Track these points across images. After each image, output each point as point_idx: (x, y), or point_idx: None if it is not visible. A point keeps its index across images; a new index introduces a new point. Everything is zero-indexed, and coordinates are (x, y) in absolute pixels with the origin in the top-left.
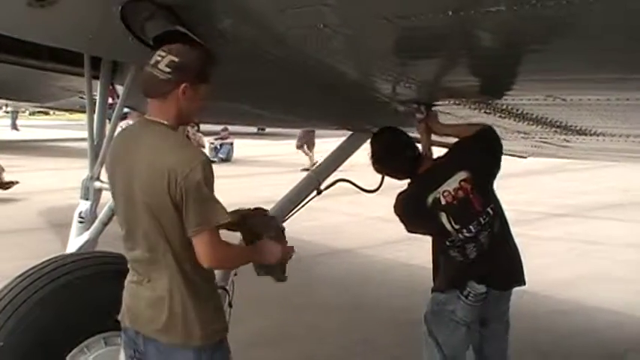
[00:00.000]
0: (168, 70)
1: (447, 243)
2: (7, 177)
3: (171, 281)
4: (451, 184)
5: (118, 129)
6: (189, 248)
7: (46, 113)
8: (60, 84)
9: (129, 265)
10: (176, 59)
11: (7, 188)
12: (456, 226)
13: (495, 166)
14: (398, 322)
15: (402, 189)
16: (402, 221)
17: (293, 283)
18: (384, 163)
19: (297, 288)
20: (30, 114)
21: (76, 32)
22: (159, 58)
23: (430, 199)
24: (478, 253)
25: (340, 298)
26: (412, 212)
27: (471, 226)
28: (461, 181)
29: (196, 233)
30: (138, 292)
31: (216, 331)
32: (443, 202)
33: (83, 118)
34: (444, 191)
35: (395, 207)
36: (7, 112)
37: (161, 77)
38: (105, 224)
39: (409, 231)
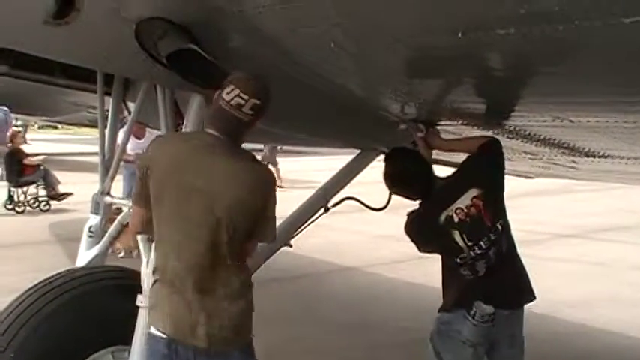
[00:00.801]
0: (251, 112)
1: (459, 260)
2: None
3: (225, 287)
4: (463, 202)
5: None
6: (241, 253)
7: (55, 127)
8: (70, 99)
9: (165, 276)
10: (258, 102)
11: (62, 200)
12: (469, 243)
13: (503, 180)
14: (403, 341)
15: (411, 208)
16: (414, 240)
17: (299, 300)
18: (399, 187)
19: (303, 305)
20: (39, 127)
21: (91, 50)
22: (242, 101)
23: (443, 218)
24: (487, 271)
25: (346, 315)
26: (425, 231)
27: (482, 242)
28: (473, 198)
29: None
30: (186, 302)
31: (250, 329)
32: (456, 219)
33: (91, 132)
34: (456, 209)
35: (406, 227)
36: (17, 127)
37: (245, 120)
38: (114, 238)
39: (421, 250)
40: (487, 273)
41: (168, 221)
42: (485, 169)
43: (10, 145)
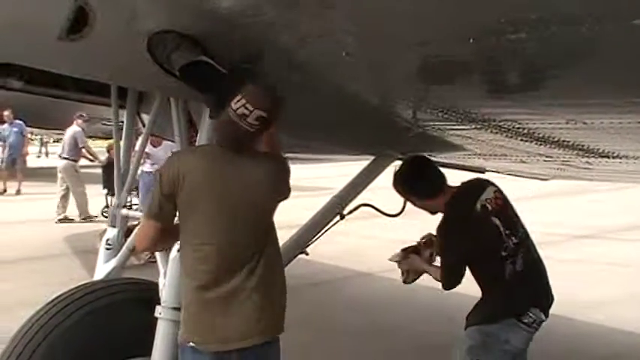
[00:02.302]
0: (256, 123)
1: (504, 254)
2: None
3: (266, 282)
4: (488, 194)
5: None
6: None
7: None
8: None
9: (203, 282)
10: (264, 114)
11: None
12: (507, 232)
13: None
14: (419, 346)
15: (425, 213)
16: (452, 241)
17: (314, 306)
18: (405, 183)
19: (318, 311)
20: (54, 141)
21: (104, 64)
22: (246, 112)
23: (478, 206)
24: (526, 274)
25: (361, 321)
26: (464, 225)
27: (517, 232)
28: (494, 192)
29: None
30: (230, 306)
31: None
32: (489, 208)
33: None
34: (486, 199)
35: (442, 228)
36: (32, 140)
37: (250, 130)
38: (132, 251)
39: (460, 254)
40: (527, 277)
41: (207, 226)
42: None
43: (107, 155)
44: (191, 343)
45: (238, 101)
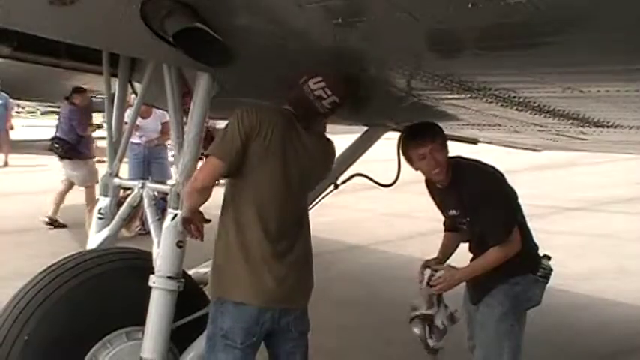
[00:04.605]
0: (329, 107)
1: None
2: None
3: (306, 252)
4: None
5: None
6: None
7: (57, 113)
8: (71, 83)
9: (254, 240)
10: (339, 101)
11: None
12: None
13: None
14: None
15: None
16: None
17: None
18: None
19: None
20: (41, 114)
21: (97, 30)
22: (324, 95)
23: None
24: (526, 226)
25: (355, 293)
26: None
27: None
28: None
29: None
30: (275, 268)
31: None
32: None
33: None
34: None
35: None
36: (18, 113)
37: (321, 112)
38: (124, 220)
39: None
40: (528, 229)
41: (269, 186)
42: None
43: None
44: (234, 298)
45: (318, 82)
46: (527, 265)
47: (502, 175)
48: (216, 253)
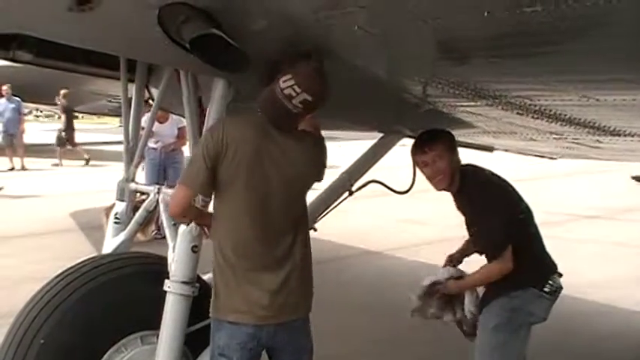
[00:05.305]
0: (300, 106)
1: (521, 216)
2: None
3: (302, 259)
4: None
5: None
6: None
7: (76, 117)
8: (87, 88)
9: (238, 255)
10: (310, 98)
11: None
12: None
13: None
14: (425, 322)
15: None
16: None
17: (322, 284)
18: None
19: (327, 289)
20: (58, 117)
21: (114, 36)
22: (293, 93)
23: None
24: (539, 239)
25: (368, 298)
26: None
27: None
28: None
29: None
30: (266, 281)
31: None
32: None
33: (110, 121)
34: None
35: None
36: (37, 117)
37: (293, 111)
38: (140, 224)
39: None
40: (542, 243)
41: (245, 200)
42: None
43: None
44: (228, 318)
45: (287, 80)
46: (532, 279)
47: (508, 186)
48: (213, 270)
